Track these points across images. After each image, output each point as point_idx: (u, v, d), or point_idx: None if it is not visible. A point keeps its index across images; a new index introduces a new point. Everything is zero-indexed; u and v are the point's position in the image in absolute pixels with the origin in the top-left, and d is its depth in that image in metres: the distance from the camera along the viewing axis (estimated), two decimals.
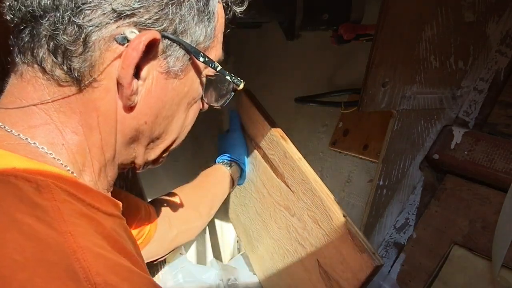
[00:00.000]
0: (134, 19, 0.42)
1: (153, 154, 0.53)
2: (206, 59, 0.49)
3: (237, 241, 1.81)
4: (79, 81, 0.43)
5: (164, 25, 0.44)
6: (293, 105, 1.38)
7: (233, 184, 1.00)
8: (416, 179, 1.05)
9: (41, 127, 0.43)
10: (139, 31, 0.42)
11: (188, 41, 0.47)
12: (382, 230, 1.05)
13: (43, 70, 0.43)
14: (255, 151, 1.01)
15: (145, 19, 0.43)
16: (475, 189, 0.93)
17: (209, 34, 0.49)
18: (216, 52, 0.53)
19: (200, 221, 0.91)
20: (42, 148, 0.43)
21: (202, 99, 0.55)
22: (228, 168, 0.98)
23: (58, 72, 0.43)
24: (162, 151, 0.54)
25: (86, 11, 0.41)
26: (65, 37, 0.41)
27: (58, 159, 0.43)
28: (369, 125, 1.26)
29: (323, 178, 1.47)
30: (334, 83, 1.45)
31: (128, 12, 0.42)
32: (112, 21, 0.42)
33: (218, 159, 1.00)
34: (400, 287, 0.96)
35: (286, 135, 0.90)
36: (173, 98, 0.49)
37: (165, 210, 0.86)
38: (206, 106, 0.57)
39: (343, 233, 0.72)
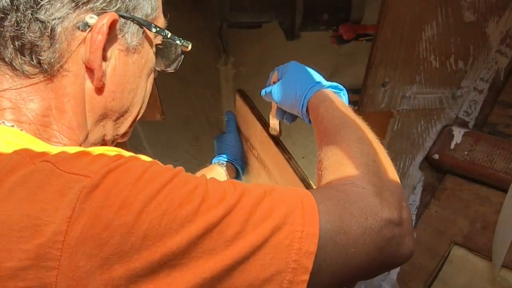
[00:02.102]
0: (90, 5, 0.45)
1: (123, 128, 0.56)
2: (158, 29, 0.53)
3: None
4: (48, 72, 0.46)
5: (118, 6, 0.47)
6: None
7: None
8: (416, 179, 1.05)
9: (8, 110, 0.45)
10: (97, 15, 0.45)
11: (140, 16, 0.50)
12: None
13: (12, 68, 0.45)
14: (250, 151, 1.01)
15: (100, 3, 0.46)
16: (475, 189, 0.94)
17: (154, 5, 0.53)
18: (161, 20, 0.56)
19: None
20: (12, 125, 0.45)
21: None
22: (224, 168, 0.98)
23: (27, 68, 0.45)
24: (130, 123, 0.57)
25: (46, 6, 0.43)
26: (31, 34, 0.43)
27: (21, 130, 0.45)
28: (369, 125, 1.26)
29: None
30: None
31: (84, 0, 0.44)
32: (71, 10, 0.44)
33: (214, 160, 1.00)
34: (400, 287, 0.96)
35: (284, 137, 0.90)
36: (134, 71, 0.52)
37: None
38: (156, 72, 0.61)
39: None
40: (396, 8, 0.79)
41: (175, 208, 0.36)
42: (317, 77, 0.69)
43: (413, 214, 1.03)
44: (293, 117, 0.77)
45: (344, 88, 0.68)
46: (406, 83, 0.90)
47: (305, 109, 0.67)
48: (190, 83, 1.71)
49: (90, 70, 0.47)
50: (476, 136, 0.95)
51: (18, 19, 0.42)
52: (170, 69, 0.61)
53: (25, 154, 0.40)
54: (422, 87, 0.93)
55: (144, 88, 0.56)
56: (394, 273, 0.99)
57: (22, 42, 0.43)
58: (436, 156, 1.01)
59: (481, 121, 0.99)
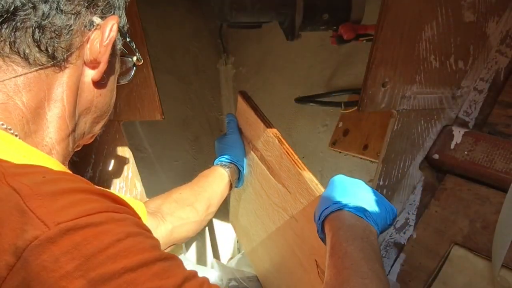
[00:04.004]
0: (96, 7, 0.51)
1: (96, 128, 0.60)
2: (128, 38, 0.58)
3: (237, 241, 1.81)
4: (54, 61, 0.49)
5: (113, 12, 0.54)
6: (293, 105, 1.38)
7: (231, 186, 1.00)
8: (416, 179, 1.05)
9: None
10: (101, 18, 0.51)
11: (121, 24, 0.56)
12: None
13: (25, 57, 0.47)
14: (253, 153, 1.01)
15: (102, 8, 0.52)
16: (475, 189, 0.94)
17: (123, 15, 0.58)
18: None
19: (197, 218, 0.91)
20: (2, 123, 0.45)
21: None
22: (226, 169, 0.98)
23: (37, 55, 0.48)
24: (102, 125, 0.61)
25: (67, 1, 0.48)
26: (58, 21, 0.47)
27: (8, 127, 0.45)
28: (369, 125, 1.26)
29: (323, 178, 1.48)
30: (334, 83, 1.45)
31: (93, 1, 0.50)
32: (84, 9, 0.50)
33: (216, 161, 1.00)
34: (400, 287, 0.96)
35: (283, 135, 0.90)
36: (114, 72, 0.58)
37: (158, 206, 0.86)
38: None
39: None
40: (396, 8, 0.79)
41: None
42: (355, 194, 0.61)
43: (413, 214, 1.03)
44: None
45: (367, 209, 0.59)
46: (406, 83, 0.90)
47: (320, 227, 0.62)
48: (190, 83, 1.70)
49: (89, 65, 0.52)
50: (476, 136, 0.95)
51: (45, 10, 0.46)
52: (123, 80, 0.64)
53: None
54: (422, 87, 0.93)
55: (114, 92, 0.60)
56: (394, 273, 0.99)
57: (43, 32, 0.47)
58: (436, 156, 1.01)
59: (481, 121, 0.99)
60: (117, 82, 0.64)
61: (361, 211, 0.59)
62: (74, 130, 0.54)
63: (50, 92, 0.49)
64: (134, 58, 0.62)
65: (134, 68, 0.64)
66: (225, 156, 1.00)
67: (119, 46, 0.57)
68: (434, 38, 0.87)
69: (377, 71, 0.85)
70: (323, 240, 0.61)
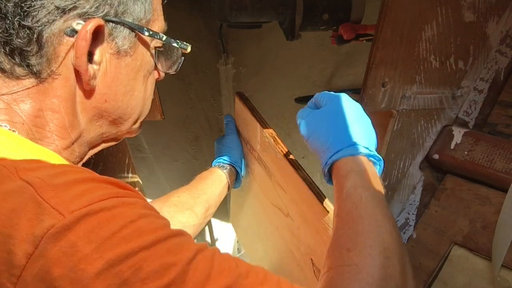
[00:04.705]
0: (77, 11, 0.46)
1: (124, 127, 0.58)
2: (151, 32, 0.53)
3: (237, 241, 1.81)
4: (38, 76, 0.47)
5: (106, 10, 0.48)
6: (293, 105, 1.38)
7: (229, 187, 1.00)
8: (416, 179, 1.05)
9: (1, 110, 0.46)
10: (84, 21, 0.46)
11: (130, 20, 0.51)
12: None
13: (2, 70, 0.46)
14: (250, 153, 1.01)
15: (87, 8, 0.46)
16: (475, 189, 0.94)
17: (148, 8, 0.53)
18: (159, 24, 0.56)
19: (196, 221, 0.91)
20: (5, 125, 0.45)
21: (157, 69, 0.60)
22: (224, 171, 0.98)
23: (18, 70, 0.46)
24: (132, 123, 0.58)
25: (32, 13, 0.44)
26: (19, 40, 0.45)
27: (13, 130, 0.46)
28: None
29: (323, 178, 1.47)
30: (334, 83, 1.45)
31: (70, 6, 0.45)
32: (58, 17, 0.45)
33: (214, 163, 1.01)
34: None
35: (283, 135, 0.90)
36: (128, 74, 0.53)
37: (158, 210, 0.85)
38: (162, 74, 0.62)
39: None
40: (396, 8, 0.79)
41: (135, 282, 0.33)
42: (363, 133, 0.58)
43: (413, 214, 1.03)
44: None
45: (382, 159, 0.57)
46: (406, 83, 0.90)
47: (327, 169, 0.58)
48: (190, 83, 1.70)
49: (80, 74, 0.48)
50: (476, 136, 0.95)
51: (7, 26, 0.44)
52: (171, 71, 0.61)
53: (10, 167, 0.39)
54: (422, 87, 0.93)
55: (142, 90, 0.57)
56: None
57: (11, 47, 0.45)
58: (436, 156, 1.01)
59: (481, 121, 0.99)
60: (165, 72, 0.60)
61: (376, 159, 0.56)
62: (80, 137, 0.52)
63: (45, 104, 0.48)
64: (175, 45, 0.56)
65: (182, 58, 0.60)
66: (223, 158, 1.00)
67: (126, 43, 0.51)
68: (434, 38, 0.87)
69: (377, 71, 0.85)
70: (328, 180, 0.58)
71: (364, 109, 0.60)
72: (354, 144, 0.55)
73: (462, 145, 0.97)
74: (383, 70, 0.85)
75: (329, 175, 0.58)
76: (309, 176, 0.77)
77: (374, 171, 0.54)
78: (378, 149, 0.57)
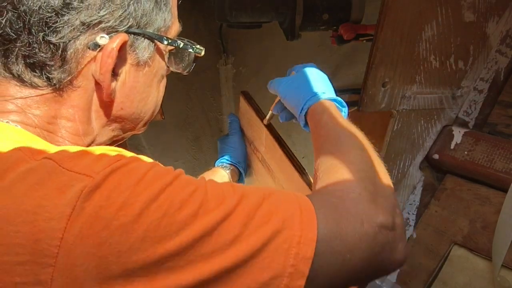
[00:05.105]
0: (102, 25, 0.45)
1: (135, 129, 0.58)
2: (170, 41, 0.53)
3: None
4: (57, 87, 0.46)
5: (130, 23, 0.48)
6: None
7: None
8: (416, 179, 1.05)
9: (14, 112, 0.46)
10: (108, 34, 0.46)
11: (151, 31, 0.51)
12: None
13: (20, 80, 0.46)
14: (254, 154, 1.00)
15: (112, 22, 0.46)
16: (475, 189, 0.94)
17: (167, 16, 0.53)
18: (175, 28, 0.56)
19: None
20: (16, 125, 0.45)
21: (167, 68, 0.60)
22: (227, 171, 0.98)
23: (36, 81, 0.46)
24: (142, 125, 0.59)
25: (57, 29, 0.44)
26: (42, 54, 0.44)
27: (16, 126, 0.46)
28: (369, 125, 1.26)
29: None
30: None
31: (96, 21, 0.45)
32: (83, 32, 0.45)
33: (217, 162, 1.00)
34: (400, 287, 0.96)
35: (283, 136, 0.89)
36: (145, 82, 0.53)
37: None
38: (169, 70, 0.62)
39: None
40: (396, 8, 0.79)
41: (174, 211, 0.36)
42: (327, 86, 0.70)
43: (413, 214, 1.03)
44: (289, 117, 0.78)
45: (347, 106, 0.69)
46: (406, 83, 0.90)
47: (304, 114, 0.67)
48: (190, 83, 1.70)
49: (99, 84, 0.48)
50: (476, 136, 0.95)
51: (30, 40, 0.44)
52: (184, 72, 0.61)
53: (26, 151, 0.40)
54: (422, 87, 0.93)
55: (155, 94, 0.57)
56: (394, 273, 0.99)
57: (33, 61, 0.45)
58: (436, 156, 1.01)
59: (481, 121, 0.99)
60: (178, 71, 0.60)
61: (339, 103, 0.68)
62: (93, 142, 0.52)
63: (60, 112, 0.48)
64: (191, 50, 0.57)
65: (194, 63, 0.60)
66: (225, 157, 1.00)
67: (145, 54, 0.50)
68: (434, 38, 0.87)
69: (377, 71, 0.85)
70: (304, 123, 0.69)
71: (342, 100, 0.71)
72: (320, 93, 0.68)
73: (462, 145, 0.97)
74: (383, 70, 0.85)
75: (304, 121, 0.69)
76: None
77: (340, 113, 0.65)
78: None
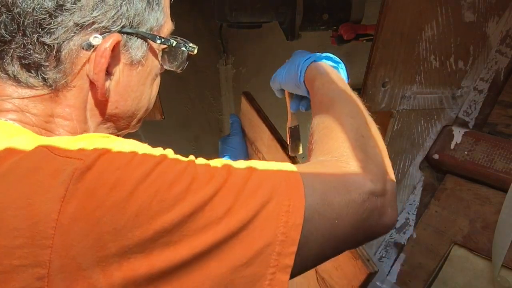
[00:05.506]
0: (95, 26, 0.46)
1: (129, 127, 0.59)
2: (163, 40, 0.53)
3: None
4: (53, 87, 0.47)
5: (122, 23, 0.48)
6: None
7: None
8: (416, 179, 1.05)
9: (11, 111, 0.47)
10: (101, 34, 0.46)
11: (144, 30, 0.51)
12: None
13: (16, 80, 0.46)
14: (255, 155, 1.00)
15: (105, 23, 0.46)
16: (475, 189, 0.94)
17: (160, 15, 0.53)
18: (168, 26, 0.56)
19: None
20: (14, 123, 0.46)
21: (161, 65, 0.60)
22: None
23: (32, 81, 0.46)
24: (136, 123, 0.59)
25: (51, 30, 0.44)
26: (37, 55, 0.45)
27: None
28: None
29: None
30: None
31: (89, 22, 0.45)
32: (76, 33, 0.45)
33: None
34: (400, 287, 0.96)
35: (283, 136, 0.89)
36: (138, 81, 0.54)
37: None
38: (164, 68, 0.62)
39: None
40: (396, 8, 0.79)
41: (166, 187, 0.37)
42: (315, 53, 0.72)
43: (413, 214, 1.03)
44: (297, 103, 0.79)
45: (341, 61, 0.70)
46: (406, 83, 0.90)
47: (302, 81, 0.69)
48: (190, 83, 1.70)
49: (94, 84, 0.48)
50: (476, 136, 0.95)
51: (25, 42, 0.44)
52: (177, 70, 0.62)
53: (24, 142, 0.42)
54: (422, 87, 0.93)
55: (149, 92, 0.57)
56: (394, 273, 0.99)
57: (28, 62, 0.45)
58: (436, 156, 1.01)
59: (481, 121, 0.99)
60: (171, 69, 0.61)
61: (334, 61, 0.70)
62: None
63: (57, 111, 0.48)
64: (184, 49, 0.57)
65: (188, 58, 0.60)
66: (226, 158, 1.00)
67: (139, 53, 0.51)
68: (434, 38, 0.87)
69: (377, 71, 0.85)
70: (305, 91, 0.70)
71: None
72: (313, 56, 0.69)
73: (462, 145, 0.97)
74: (383, 70, 0.85)
75: (304, 87, 0.70)
76: None
77: (336, 73, 0.66)
78: None
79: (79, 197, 0.36)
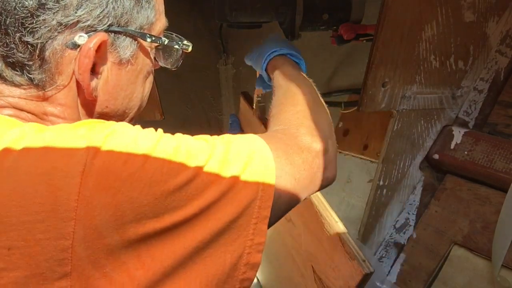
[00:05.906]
0: (80, 24, 0.45)
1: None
2: (153, 38, 0.53)
3: None
4: (41, 87, 0.47)
5: (109, 22, 0.47)
6: None
7: None
8: (416, 179, 1.05)
9: (7, 108, 0.47)
10: (87, 33, 0.46)
11: (133, 28, 0.50)
12: (382, 230, 1.05)
13: (3, 79, 0.46)
14: None
15: (90, 22, 0.46)
16: (475, 189, 0.93)
17: (150, 13, 0.52)
18: (160, 24, 0.56)
19: None
20: (11, 118, 0.46)
21: (155, 63, 0.60)
22: None
23: (19, 79, 0.46)
24: (128, 121, 0.59)
25: (33, 30, 0.44)
26: (20, 55, 0.45)
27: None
28: (369, 125, 1.26)
29: None
30: (334, 83, 1.45)
31: (73, 21, 0.45)
32: (60, 32, 0.45)
33: None
34: (400, 287, 0.96)
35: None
36: (129, 79, 0.54)
37: None
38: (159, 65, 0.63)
39: (335, 239, 0.72)
40: (396, 8, 0.79)
41: (171, 157, 0.42)
42: (283, 45, 0.82)
43: (413, 214, 1.03)
44: (260, 83, 0.91)
45: (302, 59, 0.81)
46: (406, 83, 0.90)
47: (265, 69, 0.80)
48: (190, 83, 1.70)
49: (82, 87, 0.49)
50: (476, 136, 0.95)
51: (7, 41, 0.44)
52: (172, 68, 0.62)
53: (30, 127, 0.43)
54: (422, 87, 0.93)
55: (141, 91, 0.57)
56: (394, 273, 0.99)
57: (13, 61, 0.45)
58: (436, 156, 1.01)
59: (481, 121, 0.99)
60: (165, 66, 0.61)
61: (295, 57, 0.80)
62: None
63: (49, 110, 0.49)
64: (177, 47, 0.58)
65: (183, 55, 0.61)
66: None
67: (127, 52, 0.51)
68: (434, 38, 0.87)
69: (377, 71, 0.85)
70: (268, 77, 0.81)
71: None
72: (278, 49, 0.80)
73: (462, 145, 0.97)
74: (383, 70, 0.85)
75: (266, 74, 0.82)
76: None
77: (293, 63, 0.78)
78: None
79: (97, 171, 0.38)
